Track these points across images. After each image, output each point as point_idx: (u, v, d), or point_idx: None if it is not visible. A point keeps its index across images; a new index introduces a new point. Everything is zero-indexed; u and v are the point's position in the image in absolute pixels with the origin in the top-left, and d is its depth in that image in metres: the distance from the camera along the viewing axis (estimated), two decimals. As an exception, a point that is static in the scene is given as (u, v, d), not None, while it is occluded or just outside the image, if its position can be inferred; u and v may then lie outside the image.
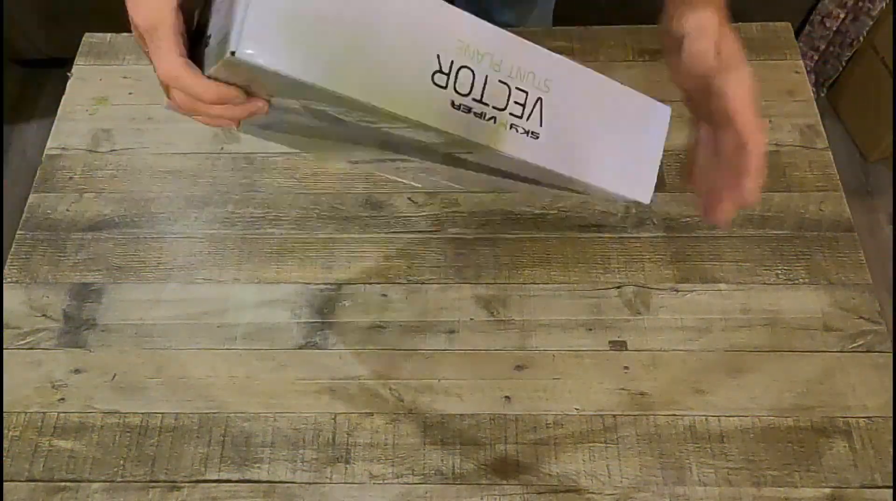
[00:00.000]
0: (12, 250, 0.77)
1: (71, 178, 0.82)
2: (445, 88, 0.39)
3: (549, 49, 0.42)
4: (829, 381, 0.68)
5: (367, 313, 0.72)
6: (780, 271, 0.74)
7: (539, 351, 0.70)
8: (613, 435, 0.66)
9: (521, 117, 0.42)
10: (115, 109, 0.87)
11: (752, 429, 0.66)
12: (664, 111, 0.49)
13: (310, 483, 0.64)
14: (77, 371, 0.70)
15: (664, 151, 0.83)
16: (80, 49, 0.91)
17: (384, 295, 0.73)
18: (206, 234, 0.78)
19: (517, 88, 0.42)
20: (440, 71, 0.39)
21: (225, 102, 0.40)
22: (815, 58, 1.48)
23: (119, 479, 0.65)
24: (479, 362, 0.69)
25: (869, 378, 0.68)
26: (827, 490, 0.63)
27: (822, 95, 1.58)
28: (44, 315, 0.73)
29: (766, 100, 0.85)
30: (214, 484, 0.64)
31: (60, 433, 0.67)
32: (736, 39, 0.45)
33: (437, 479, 0.64)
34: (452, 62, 0.39)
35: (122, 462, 0.66)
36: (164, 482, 0.65)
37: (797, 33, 1.40)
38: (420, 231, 0.77)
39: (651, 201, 0.48)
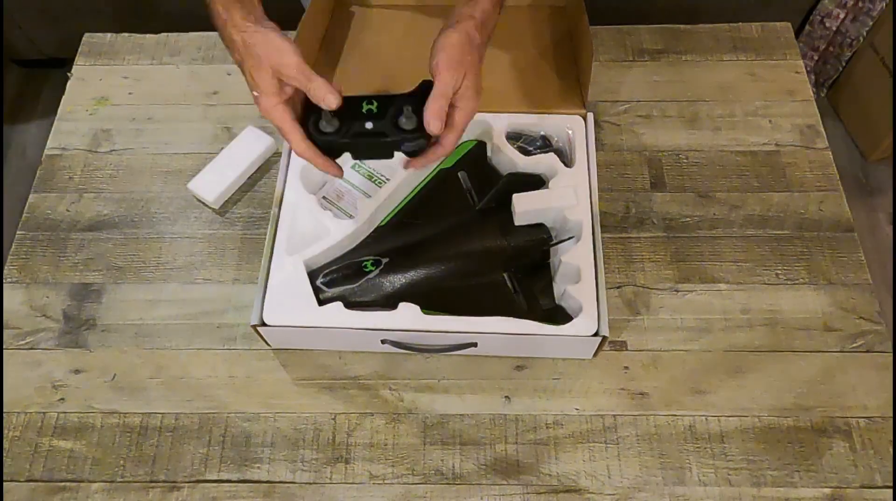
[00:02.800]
0: (12, 250, 0.77)
1: (71, 178, 0.82)
2: None
3: None
4: (829, 381, 0.68)
5: (367, 313, 0.72)
6: (780, 271, 0.74)
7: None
8: (613, 435, 0.66)
9: None
10: (115, 109, 0.87)
11: (752, 429, 0.66)
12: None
13: (310, 483, 0.64)
14: (77, 371, 0.70)
15: (663, 151, 0.84)
16: (80, 49, 0.91)
17: (384, 295, 0.73)
18: (205, 234, 0.78)
19: None
20: None
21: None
22: (815, 58, 1.48)
23: (119, 479, 0.65)
24: (479, 362, 0.69)
25: (869, 378, 0.68)
26: (827, 490, 0.63)
27: (822, 95, 1.57)
28: (44, 315, 0.73)
29: (766, 100, 0.85)
30: (214, 484, 0.64)
31: (60, 433, 0.67)
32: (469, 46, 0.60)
33: (437, 479, 0.64)
34: None
35: (122, 462, 0.66)
36: (164, 482, 0.65)
37: (797, 33, 1.40)
38: (420, 231, 0.77)
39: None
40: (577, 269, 0.66)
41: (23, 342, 0.72)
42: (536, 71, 0.81)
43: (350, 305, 0.65)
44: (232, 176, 0.79)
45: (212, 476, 0.65)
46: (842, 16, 1.37)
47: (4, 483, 0.65)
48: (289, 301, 0.65)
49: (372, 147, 0.61)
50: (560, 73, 0.80)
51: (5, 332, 0.72)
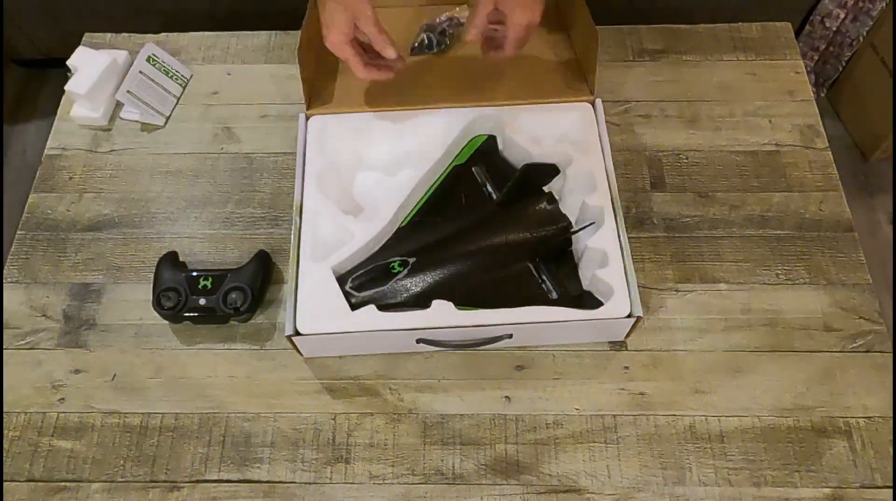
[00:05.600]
0: (12, 250, 0.77)
1: (71, 178, 0.82)
2: None
3: None
4: (829, 381, 0.68)
5: (367, 313, 0.72)
6: (780, 271, 0.74)
7: (539, 351, 0.70)
8: (613, 435, 0.66)
9: None
10: (116, 108, 0.87)
11: (752, 429, 0.66)
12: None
13: (310, 483, 0.64)
14: (77, 371, 0.70)
15: (663, 151, 0.84)
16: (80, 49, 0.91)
17: (384, 295, 0.73)
18: (206, 234, 0.78)
19: None
20: None
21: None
22: (815, 58, 1.48)
23: (119, 479, 0.65)
24: (479, 362, 0.69)
25: (869, 378, 0.68)
26: (827, 490, 0.63)
27: (822, 95, 1.57)
28: (44, 315, 0.73)
29: (766, 100, 0.85)
30: (214, 484, 0.64)
31: (60, 433, 0.67)
32: None
33: (437, 479, 0.64)
34: None
35: (122, 462, 0.66)
36: (164, 482, 0.65)
37: (797, 33, 1.39)
38: (420, 231, 0.77)
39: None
40: (603, 253, 0.67)
41: (23, 342, 0.72)
42: (539, 63, 0.81)
43: (381, 307, 0.65)
44: (108, 92, 0.85)
45: (212, 476, 0.65)
46: (842, 16, 1.37)
47: (4, 483, 0.65)
48: (321, 309, 0.65)
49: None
50: (562, 63, 0.80)
51: (5, 332, 0.72)
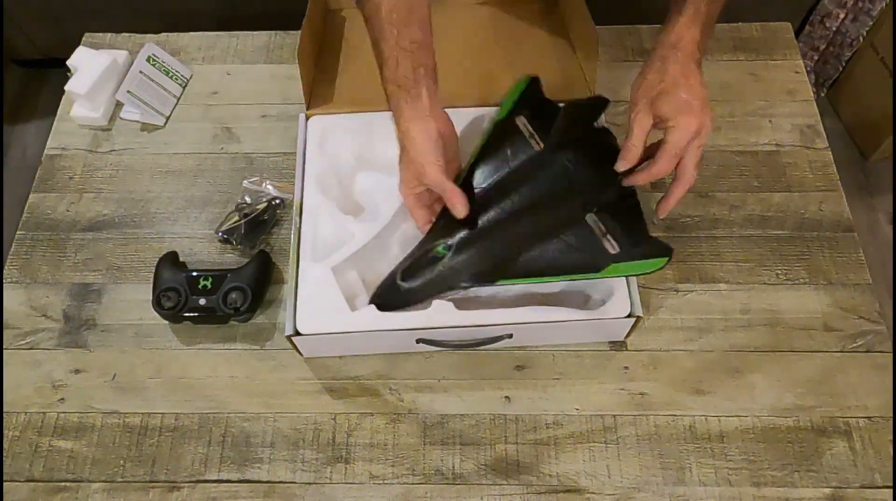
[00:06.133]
0: (12, 250, 0.77)
1: (71, 178, 0.82)
2: None
3: None
4: (829, 381, 0.68)
5: (367, 313, 0.72)
6: (780, 271, 0.74)
7: (539, 351, 0.70)
8: (613, 435, 0.66)
9: None
10: (116, 108, 0.86)
11: (752, 429, 0.66)
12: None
13: (310, 483, 0.64)
14: (77, 371, 0.70)
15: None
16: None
17: (384, 295, 0.73)
18: (206, 234, 0.78)
19: None
20: None
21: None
22: (815, 58, 1.48)
23: (119, 479, 0.65)
24: (479, 362, 0.69)
25: (869, 378, 0.68)
26: (827, 490, 0.63)
27: (822, 95, 1.57)
28: (44, 315, 0.73)
29: (766, 100, 0.85)
30: (214, 484, 0.64)
31: (60, 433, 0.67)
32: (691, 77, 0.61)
33: (437, 479, 0.64)
34: None
35: (122, 462, 0.66)
36: (164, 482, 0.65)
37: (797, 33, 1.39)
38: (420, 231, 0.77)
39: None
40: None
41: (23, 342, 0.72)
42: (539, 63, 0.81)
43: (388, 307, 0.64)
44: (108, 92, 0.85)
45: (212, 476, 0.65)
46: (842, 16, 1.37)
47: (4, 483, 0.65)
48: (321, 309, 0.65)
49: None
50: (562, 63, 0.80)
51: (5, 332, 0.72)
